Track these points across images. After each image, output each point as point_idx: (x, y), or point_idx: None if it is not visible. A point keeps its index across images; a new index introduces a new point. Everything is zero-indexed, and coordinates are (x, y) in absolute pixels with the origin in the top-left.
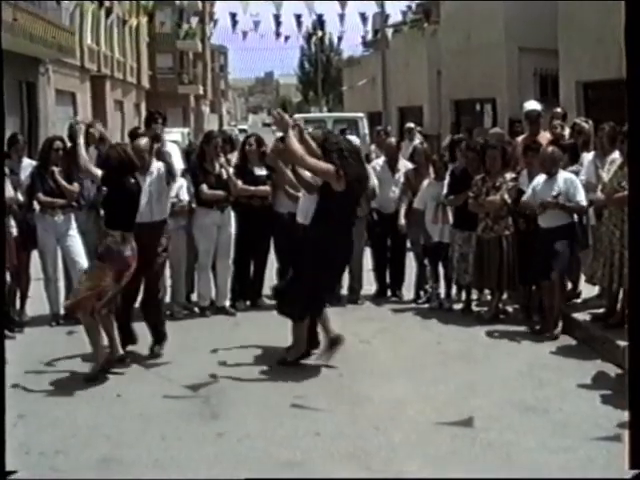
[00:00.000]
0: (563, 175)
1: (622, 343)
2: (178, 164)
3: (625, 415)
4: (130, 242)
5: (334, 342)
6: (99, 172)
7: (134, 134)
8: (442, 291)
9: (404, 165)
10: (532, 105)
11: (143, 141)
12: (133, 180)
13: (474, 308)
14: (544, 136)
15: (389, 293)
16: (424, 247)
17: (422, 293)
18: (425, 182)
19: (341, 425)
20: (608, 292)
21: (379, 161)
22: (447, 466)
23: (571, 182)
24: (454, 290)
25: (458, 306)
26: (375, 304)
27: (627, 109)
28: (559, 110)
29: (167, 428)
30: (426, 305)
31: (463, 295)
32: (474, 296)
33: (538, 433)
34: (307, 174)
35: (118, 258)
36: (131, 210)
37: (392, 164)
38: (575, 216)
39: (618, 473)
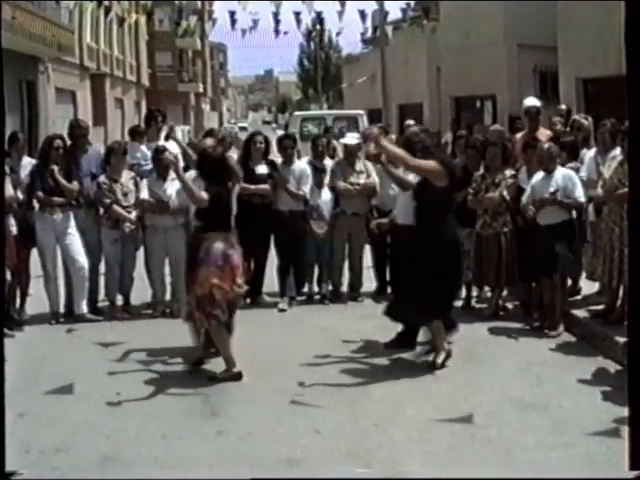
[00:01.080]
0: (561, 171)
1: (622, 340)
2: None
3: (625, 411)
4: (231, 241)
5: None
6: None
7: (135, 131)
8: None
9: None
10: (531, 101)
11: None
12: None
13: (474, 305)
14: (543, 132)
15: (389, 290)
16: None
17: None
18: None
19: (341, 423)
20: (608, 289)
21: None
22: (447, 463)
23: (569, 178)
24: None
25: (458, 303)
26: (375, 301)
27: (627, 106)
28: (563, 107)
29: (167, 426)
30: None
31: (463, 292)
32: (474, 293)
33: (538, 430)
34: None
35: (220, 257)
36: (229, 209)
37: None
38: (574, 212)
39: (618, 470)
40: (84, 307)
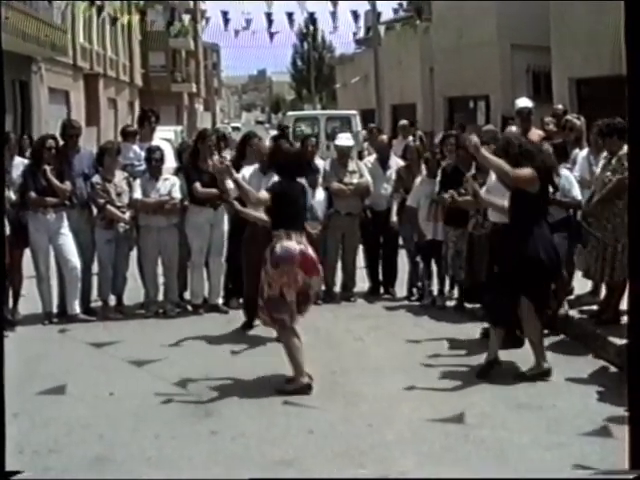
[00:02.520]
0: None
1: (615, 340)
2: (170, 162)
3: (618, 411)
4: (296, 238)
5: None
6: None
7: (126, 132)
8: (435, 289)
9: (396, 162)
10: (523, 102)
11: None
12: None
13: (467, 305)
14: (535, 133)
15: (382, 290)
16: (417, 245)
17: (415, 290)
18: (418, 179)
19: (334, 423)
20: (601, 287)
21: (370, 158)
22: (441, 464)
23: (565, 178)
24: (447, 287)
25: (451, 303)
26: (368, 301)
27: (627, 107)
28: (560, 107)
29: (160, 427)
30: (418, 302)
31: (456, 292)
32: None
33: (532, 430)
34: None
35: (286, 255)
36: (297, 207)
37: (383, 161)
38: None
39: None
40: (77, 307)
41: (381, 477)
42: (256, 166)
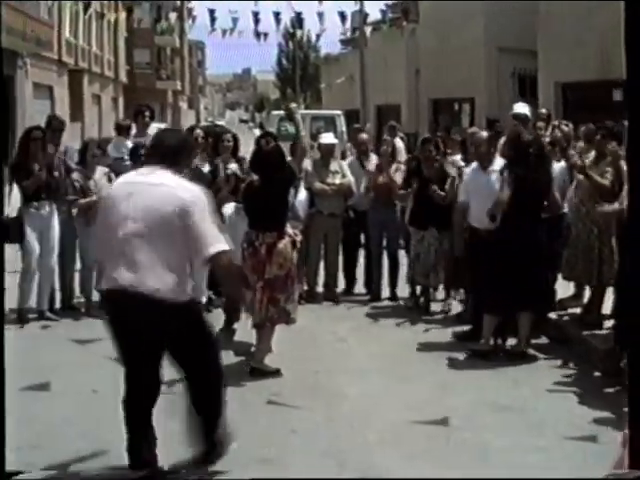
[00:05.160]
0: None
1: (598, 343)
2: None
3: (601, 414)
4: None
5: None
6: None
7: (121, 126)
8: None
9: (375, 161)
10: (520, 107)
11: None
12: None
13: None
14: None
15: (364, 290)
16: (405, 245)
17: (397, 291)
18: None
19: (317, 423)
20: (584, 289)
21: (350, 158)
22: (422, 465)
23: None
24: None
25: (435, 306)
26: (350, 302)
27: (627, 107)
28: (544, 111)
29: None
30: (402, 303)
31: (441, 294)
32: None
33: (513, 432)
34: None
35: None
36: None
37: (362, 160)
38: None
39: (594, 472)
40: (45, 304)
41: (362, 477)
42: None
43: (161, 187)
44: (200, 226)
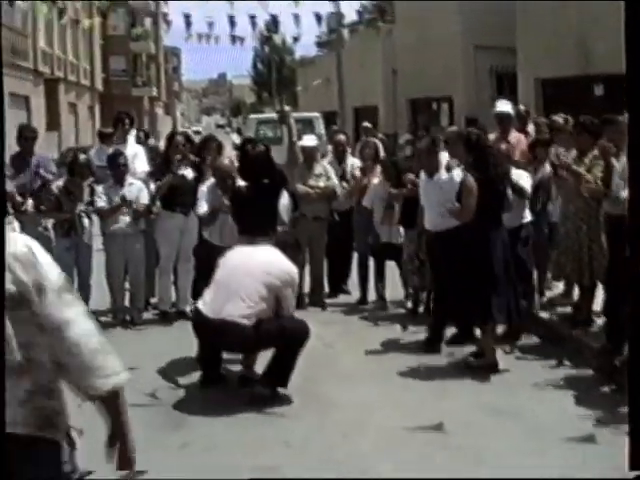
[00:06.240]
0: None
1: (590, 342)
2: (143, 166)
3: (597, 414)
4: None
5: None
6: None
7: (103, 134)
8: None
9: (352, 162)
10: (502, 106)
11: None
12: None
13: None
14: (515, 135)
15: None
16: (372, 247)
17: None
18: (375, 181)
19: (309, 432)
20: (579, 287)
21: (328, 158)
22: (418, 472)
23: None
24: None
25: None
26: (337, 306)
27: (627, 106)
28: (522, 107)
29: None
30: (391, 305)
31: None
32: None
33: (510, 437)
34: None
35: None
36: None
37: (340, 160)
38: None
39: (593, 474)
40: None
41: None
42: (212, 181)
43: None
44: None
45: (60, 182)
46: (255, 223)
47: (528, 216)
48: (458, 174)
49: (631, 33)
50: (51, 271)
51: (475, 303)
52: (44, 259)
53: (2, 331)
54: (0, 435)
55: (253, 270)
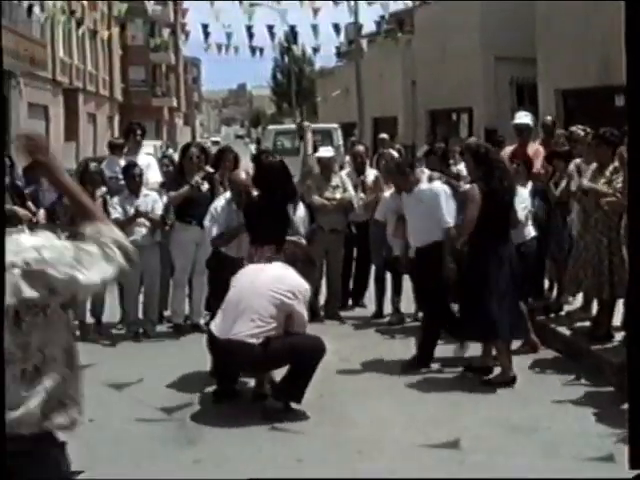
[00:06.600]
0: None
1: (610, 357)
2: (156, 177)
3: (617, 433)
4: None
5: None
6: None
7: (114, 145)
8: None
9: (372, 174)
10: (521, 118)
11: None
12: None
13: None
14: (533, 147)
15: (350, 302)
16: (385, 260)
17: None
18: (387, 193)
19: (323, 449)
20: (598, 302)
21: (347, 169)
22: None
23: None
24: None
25: None
26: (353, 319)
27: (627, 112)
28: (549, 118)
29: (142, 454)
30: (408, 319)
31: None
32: None
33: (528, 454)
34: None
35: None
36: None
37: (359, 171)
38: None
39: None
40: None
41: None
42: (227, 196)
43: None
44: None
45: None
46: (266, 232)
47: (532, 232)
48: (439, 185)
49: (631, 33)
50: (62, 257)
51: (477, 319)
52: (53, 253)
53: (2, 331)
54: (0, 435)
55: (262, 288)
